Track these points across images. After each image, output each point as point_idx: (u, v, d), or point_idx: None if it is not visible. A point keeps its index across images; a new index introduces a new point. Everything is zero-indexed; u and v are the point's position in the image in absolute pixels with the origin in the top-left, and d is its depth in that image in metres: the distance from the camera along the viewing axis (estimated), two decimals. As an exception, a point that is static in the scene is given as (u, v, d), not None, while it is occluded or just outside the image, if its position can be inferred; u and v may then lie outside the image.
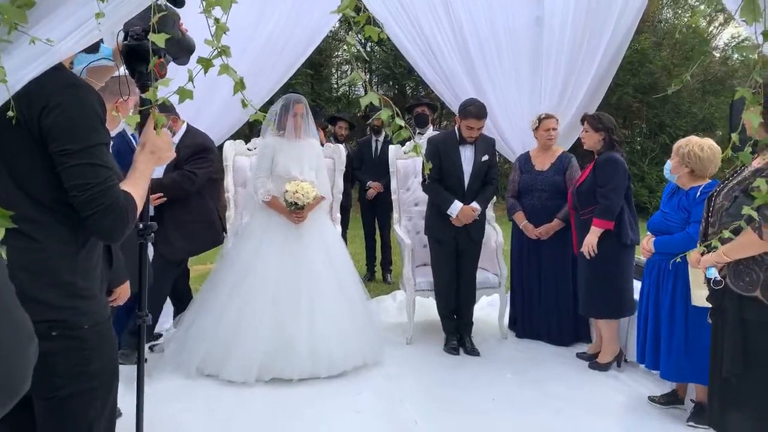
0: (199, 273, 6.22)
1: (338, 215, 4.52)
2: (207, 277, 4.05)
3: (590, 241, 3.65)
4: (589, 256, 3.66)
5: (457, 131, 4.05)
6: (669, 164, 3.20)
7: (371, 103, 1.24)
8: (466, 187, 3.97)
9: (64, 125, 1.37)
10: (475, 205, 3.94)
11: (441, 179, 3.97)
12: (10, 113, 1.26)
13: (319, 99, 12.84)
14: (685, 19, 14.26)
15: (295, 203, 3.62)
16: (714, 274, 2.29)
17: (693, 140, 3.10)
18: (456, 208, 3.92)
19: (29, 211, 1.40)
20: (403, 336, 4.29)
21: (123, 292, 2.16)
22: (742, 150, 1.37)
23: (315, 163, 3.84)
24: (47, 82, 1.37)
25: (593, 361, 3.85)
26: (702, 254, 2.37)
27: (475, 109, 3.90)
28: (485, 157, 4.00)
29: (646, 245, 3.27)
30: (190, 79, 1.31)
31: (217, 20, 1.23)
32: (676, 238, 3.07)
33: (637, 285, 3.90)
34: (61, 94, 1.38)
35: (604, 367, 3.79)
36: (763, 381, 2.18)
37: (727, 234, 1.95)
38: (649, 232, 3.30)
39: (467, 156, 4.00)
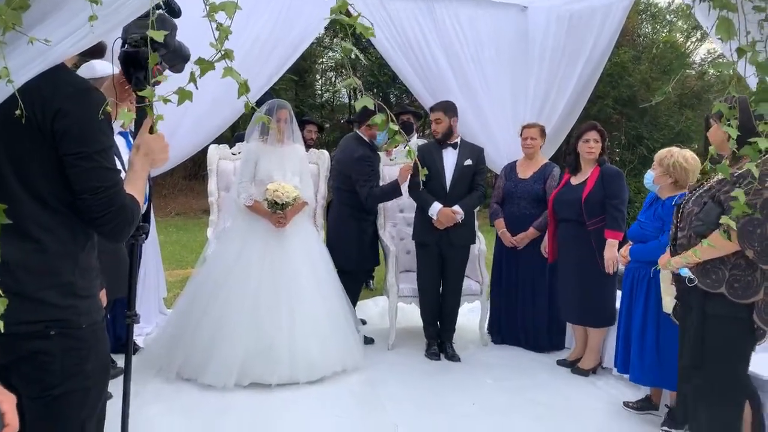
0: (179, 277, 6.18)
1: (322, 221, 4.54)
2: (187, 281, 4.04)
3: (613, 256, 3.62)
4: (611, 271, 3.67)
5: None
6: (650, 174, 3.24)
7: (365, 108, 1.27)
8: (447, 190, 4.03)
9: (78, 129, 1.40)
10: (456, 208, 3.99)
11: (425, 183, 4.04)
12: (18, 112, 1.29)
13: (302, 105, 12.84)
14: (663, 34, 14.59)
15: (275, 202, 3.63)
16: (688, 273, 2.45)
17: (675, 151, 3.16)
18: (435, 209, 3.99)
19: (34, 211, 1.42)
20: (384, 342, 4.31)
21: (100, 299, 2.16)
22: (719, 162, 1.43)
23: (298, 168, 3.85)
24: (60, 85, 1.41)
25: (575, 367, 3.92)
26: (672, 256, 2.53)
27: (435, 105, 4.14)
28: (468, 161, 4.07)
29: (623, 253, 3.35)
30: (192, 80, 1.33)
31: (219, 24, 1.26)
32: (650, 246, 3.15)
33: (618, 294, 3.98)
34: (75, 99, 1.41)
35: (585, 373, 3.86)
36: (718, 371, 2.38)
37: (707, 243, 2.07)
38: (629, 241, 3.38)
39: (449, 160, 4.07)
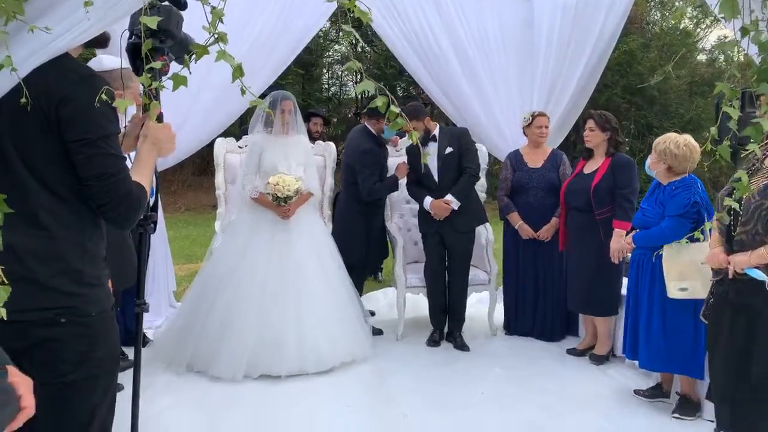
0: (189, 271, 6.22)
1: (329, 212, 4.54)
2: (196, 275, 4.06)
3: (619, 246, 3.55)
4: (616, 261, 3.61)
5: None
6: (649, 160, 3.26)
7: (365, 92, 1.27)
8: (437, 182, 4.08)
9: (81, 115, 1.42)
10: (448, 197, 4.01)
11: (418, 180, 4.12)
12: (23, 100, 1.30)
13: (309, 99, 12.84)
14: (673, 22, 14.42)
15: (277, 196, 3.64)
16: (762, 275, 2.16)
17: (670, 137, 3.15)
18: (427, 202, 4.07)
19: (42, 199, 1.44)
20: (393, 332, 4.31)
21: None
22: (721, 143, 1.41)
23: (303, 159, 3.85)
24: (63, 73, 1.42)
25: (591, 353, 3.90)
26: (728, 254, 2.29)
27: (405, 111, 4.05)
28: (449, 149, 4.06)
29: (628, 240, 3.35)
30: (186, 65, 1.33)
31: (213, 7, 1.25)
32: (651, 232, 3.15)
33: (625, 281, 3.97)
34: (79, 86, 1.43)
35: (600, 360, 3.84)
36: None
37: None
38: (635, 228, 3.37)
39: (431, 152, 4.08)
